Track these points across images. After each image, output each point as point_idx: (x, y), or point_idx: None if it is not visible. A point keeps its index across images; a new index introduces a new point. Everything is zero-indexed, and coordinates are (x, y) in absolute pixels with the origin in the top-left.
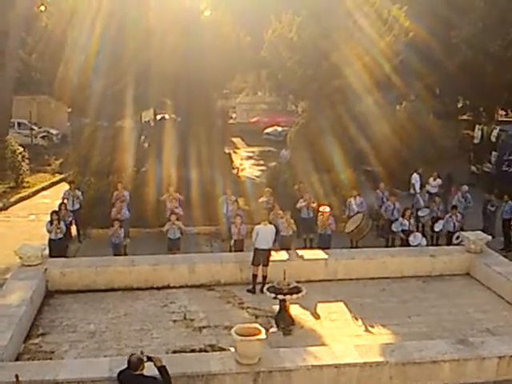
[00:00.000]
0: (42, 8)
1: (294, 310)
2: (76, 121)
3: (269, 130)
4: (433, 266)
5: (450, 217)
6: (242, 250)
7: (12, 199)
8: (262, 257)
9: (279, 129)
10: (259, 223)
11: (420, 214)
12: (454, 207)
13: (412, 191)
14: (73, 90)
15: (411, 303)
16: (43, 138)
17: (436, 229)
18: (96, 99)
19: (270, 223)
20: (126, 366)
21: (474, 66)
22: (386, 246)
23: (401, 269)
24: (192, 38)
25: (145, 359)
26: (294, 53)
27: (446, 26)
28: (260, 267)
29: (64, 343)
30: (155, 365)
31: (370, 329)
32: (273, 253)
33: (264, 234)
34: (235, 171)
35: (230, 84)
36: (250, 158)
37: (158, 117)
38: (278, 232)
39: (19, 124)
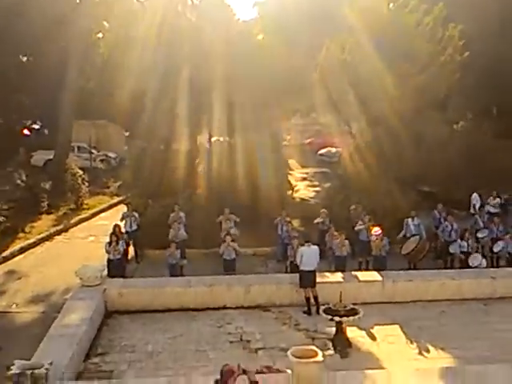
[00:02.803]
0: (100, 35)
1: (351, 333)
2: (133, 144)
3: (323, 151)
4: (494, 288)
5: (511, 238)
6: (297, 272)
7: (72, 221)
8: (308, 278)
9: (333, 150)
10: (303, 244)
11: (479, 234)
12: None
13: (472, 211)
14: (129, 114)
15: (472, 326)
16: (102, 161)
17: (495, 249)
18: (152, 123)
19: (316, 244)
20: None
21: None
22: (445, 268)
23: (461, 291)
24: (245, 61)
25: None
26: (347, 73)
27: (503, 45)
28: (309, 289)
29: (122, 363)
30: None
31: (429, 352)
32: (328, 274)
33: (308, 256)
34: (290, 192)
35: (283, 105)
36: (304, 179)
37: (213, 139)
38: (333, 253)
39: (79, 148)
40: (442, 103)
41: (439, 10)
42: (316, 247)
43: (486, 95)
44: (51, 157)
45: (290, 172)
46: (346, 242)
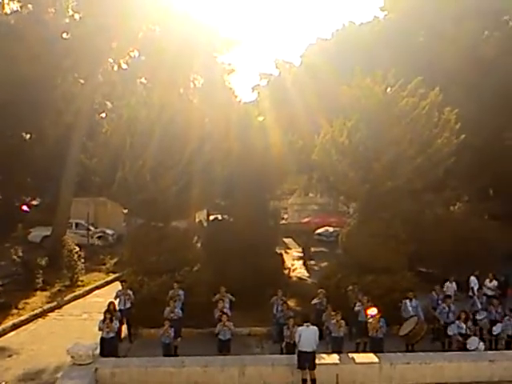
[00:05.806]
0: (103, 115)
1: None
2: (131, 221)
3: (320, 230)
4: (492, 372)
5: (509, 320)
6: (293, 353)
7: (66, 298)
8: (306, 360)
9: (330, 229)
10: (300, 324)
11: (478, 317)
12: None
13: (471, 294)
14: (129, 192)
15: None
16: (99, 238)
17: (494, 332)
18: (151, 200)
19: (314, 325)
20: None
21: None
22: (443, 350)
23: (459, 374)
24: (245, 141)
25: None
26: (344, 156)
27: (498, 127)
28: (307, 371)
29: None
30: None
31: None
32: (324, 355)
33: (307, 336)
34: (286, 272)
35: (282, 185)
36: (301, 258)
37: (211, 217)
38: (330, 333)
39: (77, 224)
40: (439, 185)
41: (435, 95)
42: (315, 328)
43: (483, 177)
44: (49, 233)
45: (287, 251)
46: (343, 322)
